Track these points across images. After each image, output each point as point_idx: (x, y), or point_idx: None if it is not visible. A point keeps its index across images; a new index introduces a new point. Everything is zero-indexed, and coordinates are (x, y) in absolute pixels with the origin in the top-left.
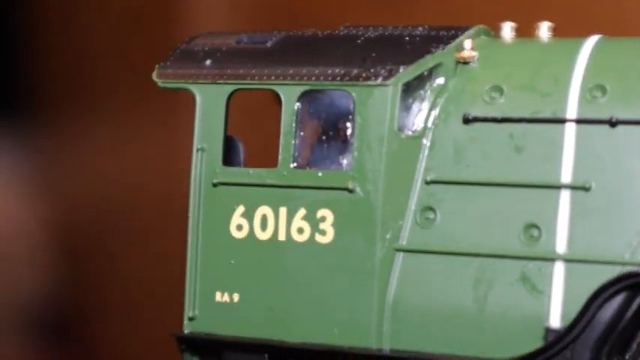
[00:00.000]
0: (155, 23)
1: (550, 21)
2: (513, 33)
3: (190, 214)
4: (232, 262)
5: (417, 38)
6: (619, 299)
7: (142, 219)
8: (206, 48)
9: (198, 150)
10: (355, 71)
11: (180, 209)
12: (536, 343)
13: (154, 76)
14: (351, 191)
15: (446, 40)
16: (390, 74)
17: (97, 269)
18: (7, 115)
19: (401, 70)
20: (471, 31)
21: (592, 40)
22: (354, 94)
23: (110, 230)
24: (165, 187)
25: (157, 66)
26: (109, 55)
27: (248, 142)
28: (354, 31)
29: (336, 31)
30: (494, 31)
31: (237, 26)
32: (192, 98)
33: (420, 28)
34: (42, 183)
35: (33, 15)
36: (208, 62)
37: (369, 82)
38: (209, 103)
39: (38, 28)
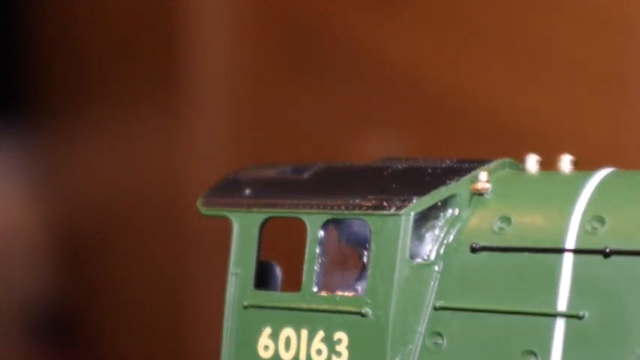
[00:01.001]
0: (155, 24)
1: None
2: (537, 166)
3: (223, 334)
4: None
5: (439, 170)
6: None
7: (142, 219)
8: (248, 178)
9: (232, 274)
10: (372, 201)
11: (181, 210)
12: None
13: (199, 204)
14: (363, 315)
15: (464, 173)
16: (403, 204)
17: (96, 269)
18: (7, 116)
19: (414, 200)
20: (493, 164)
21: (602, 173)
22: (370, 223)
23: (110, 231)
24: (166, 188)
25: (202, 194)
26: (109, 55)
27: (290, 267)
28: (388, 164)
29: (373, 163)
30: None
31: (238, 28)
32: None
33: (448, 161)
34: (42, 184)
35: (33, 16)
36: (247, 192)
37: (383, 212)
38: (244, 230)
39: (38, 29)
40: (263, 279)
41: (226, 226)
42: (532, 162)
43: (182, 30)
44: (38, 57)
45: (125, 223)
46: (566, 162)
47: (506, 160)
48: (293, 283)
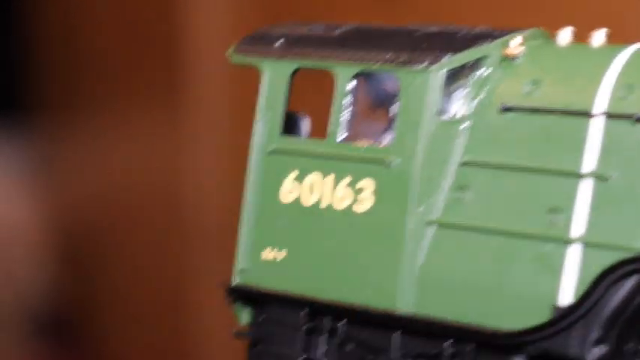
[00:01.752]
0: (155, 21)
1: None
2: (572, 37)
3: (248, 178)
4: (281, 222)
5: (472, 35)
6: (630, 284)
7: (142, 218)
8: (281, 32)
9: (258, 121)
10: (404, 57)
11: (182, 209)
12: (545, 320)
13: (229, 52)
14: (389, 165)
15: (497, 36)
16: (435, 61)
17: (96, 269)
18: (7, 115)
19: (446, 58)
20: (527, 32)
21: (635, 46)
22: (400, 77)
23: (110, 230)
24: (166, 185)
25: (234, 44)
26: (109, 54)
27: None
28: (418, 27)
29: (405, 26)
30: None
31: (238, 25)
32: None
33: (481, 27)
34: (42, 183)
35: (33, 14)
36: (279, 43)
37: (415, 67)
38: (274, 79)
39: (39, 27)
40: (291, 130)
41: (227, 226)
42: (566, 33)
43: (182, 26)
44: (38, 56)
45: (125, 221)
46: (600, 36)
47: (540, 29)
48: (321, 135)
